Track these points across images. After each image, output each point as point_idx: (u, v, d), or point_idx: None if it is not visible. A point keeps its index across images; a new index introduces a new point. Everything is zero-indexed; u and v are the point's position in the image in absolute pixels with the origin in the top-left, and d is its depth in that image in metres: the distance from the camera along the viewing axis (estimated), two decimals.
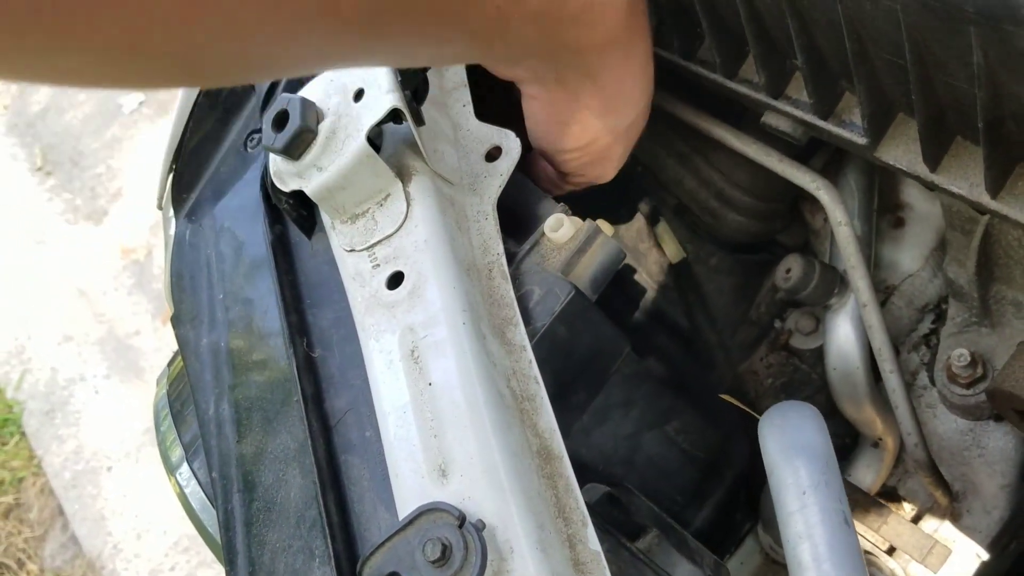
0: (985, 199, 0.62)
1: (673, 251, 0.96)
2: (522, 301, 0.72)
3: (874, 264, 0.94)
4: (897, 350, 0.96)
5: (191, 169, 0.87)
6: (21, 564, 2.60)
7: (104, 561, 2.48)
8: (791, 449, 0.63)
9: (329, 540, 0.66)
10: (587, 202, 0.93)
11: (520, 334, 0.69)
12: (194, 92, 0.87)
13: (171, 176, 0.87)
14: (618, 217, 1.00)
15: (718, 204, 0.93)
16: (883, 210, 0.94)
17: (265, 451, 0.72)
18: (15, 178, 3.74)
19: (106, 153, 3.67)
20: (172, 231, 0.85)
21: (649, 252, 0.97)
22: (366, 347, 0.69)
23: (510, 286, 0.71)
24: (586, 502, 0.75)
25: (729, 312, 0.98)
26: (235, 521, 0.72)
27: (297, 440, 0.71)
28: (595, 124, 0.74)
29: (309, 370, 0.74)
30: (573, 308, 0.71)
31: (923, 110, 0.60)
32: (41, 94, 4.04)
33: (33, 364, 2.98)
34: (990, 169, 0.60)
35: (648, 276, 0.97)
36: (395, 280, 0.70)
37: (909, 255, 0.94)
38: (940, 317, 0.95)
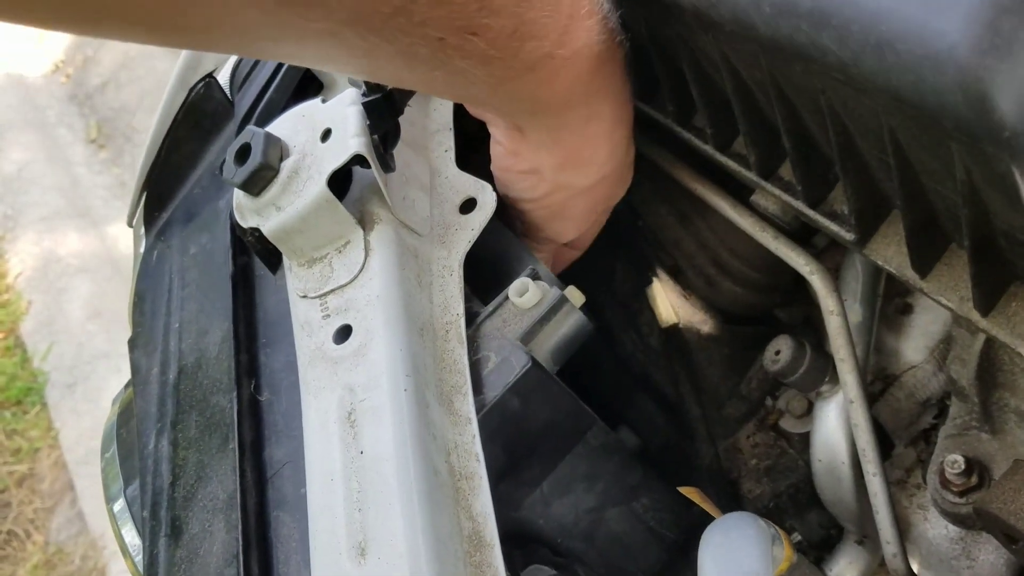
0: (975, 316, 0.57)
1: (664, 314, 0.91)
2: (476, 367, 0.68)
3: (876, 351, 0.88)
4: (893, 443, 0.90)
5: (166, 188, 0.84)
6: (28, 534, 2.62)
7: (107, 541, 2.48)
8: (728, 574, 0.58)
9: None
10: (583, 256, 0.89)
11: (468, 404, 0.65)
12: (173, 109, 0.85)
13: (144, 194, 0.84)
14: (613, 272, 0.95)
15: (715, 271, 0.89)
16: (891, 294, 0.88)
17: (195, 497, 0.69)
18: (68, 148, 3.79)
19: None
20: (141, 249, 0.82)
21: (640, 313, 0.92)
22: (305, 402, 0.66)
23: (465, 350, 0.67)
24: None
25: (718, 384, 0.93)
26: (158, 566, 0.69)
27: (227, 491, 0.67)
28: (551, 179, 0.71)
29: (252, 415, 0.71)
30: (529, 380, 0.67)
31: (910, 214, 0.55)
32: (103, 67, 4.09)
33: (61, 336, 3.01)
34: (979, 287, 0.54)
35: (636, 337, 0.92)
36: (343, 334, 0.66)
37: (913, 345, 0.88)
38: (942, 413, 0.89)
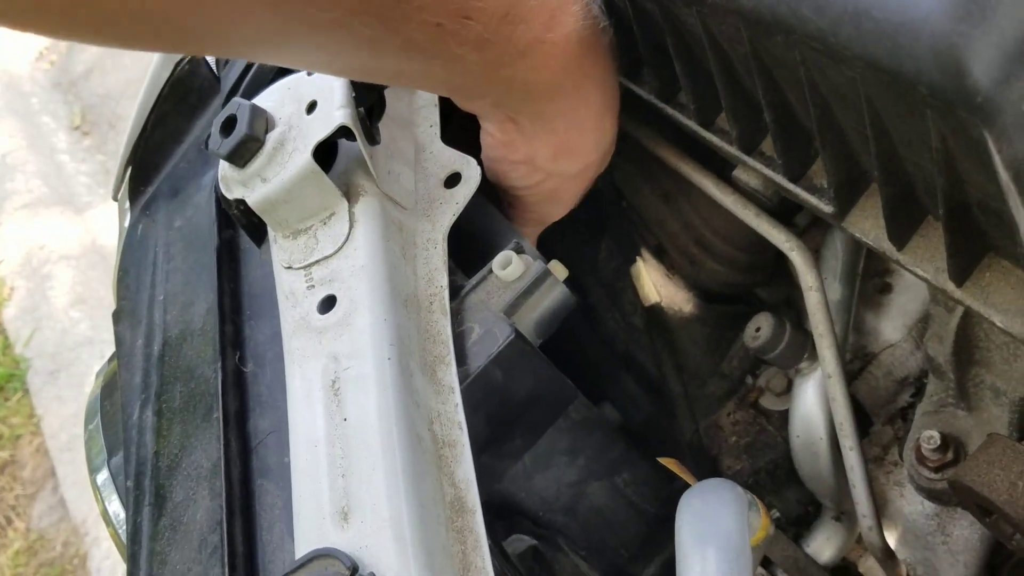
0: (950, 287, 0.58)
1: (647, 293, 0.92)
2: (460, 339, 0.68)
3: (855, 329, 0.89)
4: (871, 420, 0.92)
5: (151, 163, 0.84)
6: (9, 521, 2.61)
7: (88, 527, 2.48)
8: (704, 536, 0.59)
9: (227, 570, 0.63)
10: (566, 236, 0.90)
11: (451, 374, 0.66)
12: (158, 84, 0.85)
13: (129, 168, 0.84)
14: (597, 252, 0.96)
15: (698, 250, 0.90)
16: (870, 273, 0.89)
17: (179, 466, 0.70)
18: (52, 135, 3.77)
19: None
20: (126, 223, 0.82)
21: (623, 292, 0.93)
22: (289, 371, 0.66)
23: (448, 322, 0.68)
24: (510, 554, 0.73)
25: (700, 362, 0.94)
26: (142, 534, 0.69)
27: (211, 460, 0.68)
28: (545, 167, 0.72)
29: (237, 386, 0.72)
30: (511, 352, 0.67)
31: (887, 186, 0.56)
32: (88, 54, 4.06)
33: (44, 323, 2.99)
34: (954, 257, 0.55)
35: (619, 316, 0.93)
36: (327, 304, 0.67)
37: (892, 324, 0.89)
38: (919, 391, 0.90)
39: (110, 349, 2.61)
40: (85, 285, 3.04)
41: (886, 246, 0.61)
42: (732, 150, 0.68)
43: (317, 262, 0.68)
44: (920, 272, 0.59)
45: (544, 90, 0.66)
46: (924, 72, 0.42)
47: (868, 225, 0.62)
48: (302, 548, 0.59)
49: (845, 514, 0.89)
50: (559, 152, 0.71)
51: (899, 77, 0.44)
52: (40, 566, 2.46)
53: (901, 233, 0.59)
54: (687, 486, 0.83)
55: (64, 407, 2.76)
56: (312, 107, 0.68)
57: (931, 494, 0.82)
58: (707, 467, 0.92)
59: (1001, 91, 0.41)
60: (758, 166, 0.66)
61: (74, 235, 3.23)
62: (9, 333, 3.04)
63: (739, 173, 0.70)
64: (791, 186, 0.65)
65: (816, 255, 0.86)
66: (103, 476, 0.77)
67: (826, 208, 0.63)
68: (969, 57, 0.41)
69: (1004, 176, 0.45)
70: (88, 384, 2.72)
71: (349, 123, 0.66)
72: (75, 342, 2.90)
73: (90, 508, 2.52)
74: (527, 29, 0.61)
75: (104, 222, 3.23)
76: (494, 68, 0.62)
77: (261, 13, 0.51)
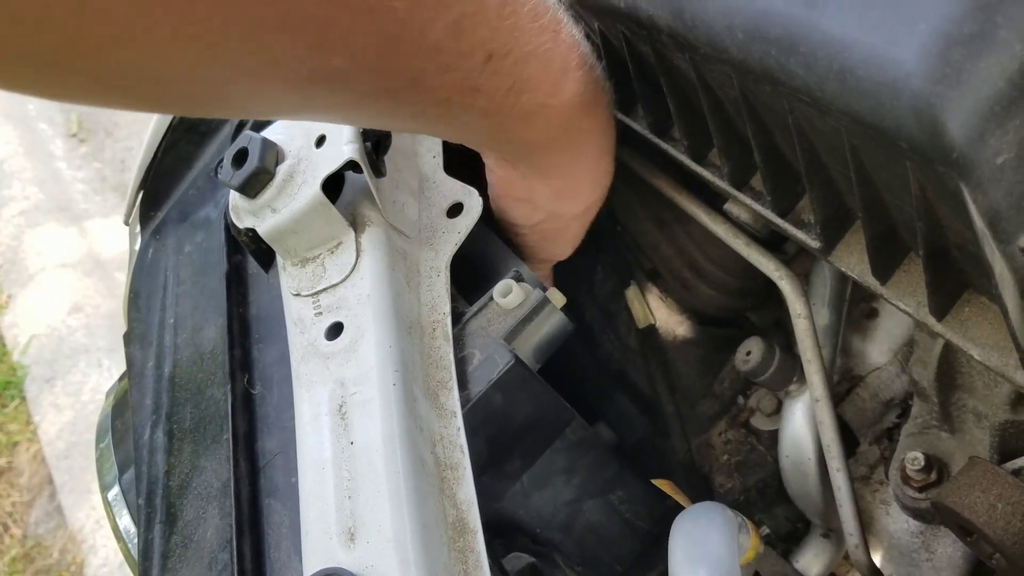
0: (931, 321, 0.61)
1: (641, 315, 0.95)
2: (461, 364, 0.71)
3: (842, 352, 0.92)
4: (858, 440, 0.94)
5: (162, 188, 0.87)
6: (6, 528, 2.63)
7: (85, 535, 2.50)
8: (696, 558, 0.62)
9: None
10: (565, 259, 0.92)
11: (453, 399, 0.68)
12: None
13: (140, 193, 0.87)
14: (594, 275, 0.99)
15: (691, 275, 0.92)
16: (857, 299, 0.92)
17: (190, 485, 0.72)
18: (49, 142, 3.78)
19: (140, 127, 3.70)
20: (137, 247, 0.85)
21: (618, 314, 0.96)
22: (297, 396, 0.69)
23: (451, 348, 0.70)
24: (508, 572, 0.75)
25: (692, 383, 0.97)
26: (153, 551, 0.71)
27: (221, 479, 0.70)
28: (546, 208, 0.76)
29: (246, 407, 0.74)
30: (511, 377, 0.70)
31: (871, 225, 0.59)
32: None
33: (41, 330, 3.01)
34: (934, 294, 0.58)
35: (615, 337, 0.96)
36: (334, 331, 0.69)
37: (878, 348, 0.92)
38: (905, 413, 0.93)
39: (107, 357, 2.61)
40: (82, 292, 3.06)
41: (870, 280, 0.63)
42: (723, 184, 0.71)
43: (325, 290, 0.71)
44: (902, 306, 0.62)
45: (542, 146, 0.69)
46: (904, 128, 0.45)
47: (853, 260, 0.65)
48: (309, 567, 0.62)
49: (833, 531, 0.92)
50: (559, 194, 0.75)
51: (881, 131, 0.47)
52: (37, 573, 2.48)
53: (884, 268, 0.62)
54: (679, 505, 0.85)
55: (61, 415, 2.78)
56: (321, 141, 0.71)
57: (915, 513, 0.85)
58: (699, 485, 0.94)
59: (975, 147, 0.44)
60: (748, 201, 0.69)
61: (70, 242, 3.24)
62: (6, 340, 3.05)
63: (730, 206, 0.73)
64: (779, 221, 0.67)
65: (805, 281, 0.89)
66: (114, 492, 0.79)
67: (813, 243, 0.66)
68: (946, 116, 0.44)
69: (979, 224, 0.48)
70: (85, 392, 2.74)
71: (357, 157, 0.68)
72: (72, 349, 2.92)
73: (87, 515, 2.54)
74: (531, 98, 0.64)
75: (101, 230, 3.25)
76: (497, 130, 0.66)
77: (282, 94, 0.54)
